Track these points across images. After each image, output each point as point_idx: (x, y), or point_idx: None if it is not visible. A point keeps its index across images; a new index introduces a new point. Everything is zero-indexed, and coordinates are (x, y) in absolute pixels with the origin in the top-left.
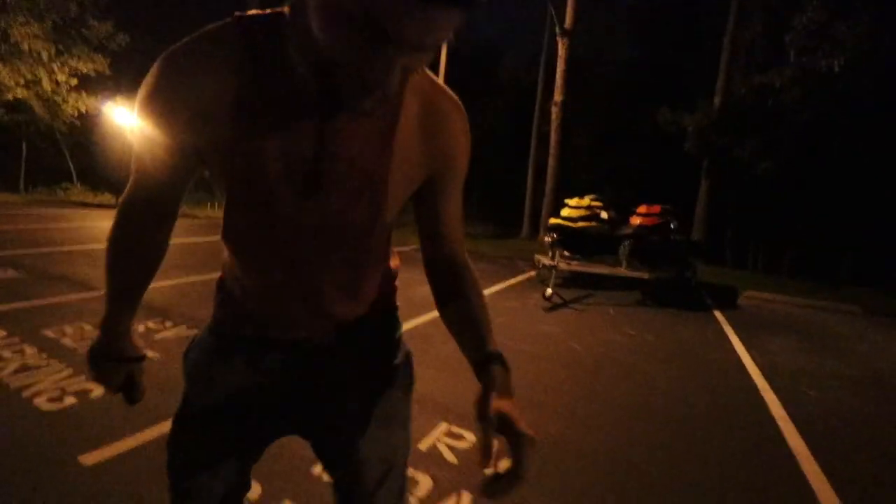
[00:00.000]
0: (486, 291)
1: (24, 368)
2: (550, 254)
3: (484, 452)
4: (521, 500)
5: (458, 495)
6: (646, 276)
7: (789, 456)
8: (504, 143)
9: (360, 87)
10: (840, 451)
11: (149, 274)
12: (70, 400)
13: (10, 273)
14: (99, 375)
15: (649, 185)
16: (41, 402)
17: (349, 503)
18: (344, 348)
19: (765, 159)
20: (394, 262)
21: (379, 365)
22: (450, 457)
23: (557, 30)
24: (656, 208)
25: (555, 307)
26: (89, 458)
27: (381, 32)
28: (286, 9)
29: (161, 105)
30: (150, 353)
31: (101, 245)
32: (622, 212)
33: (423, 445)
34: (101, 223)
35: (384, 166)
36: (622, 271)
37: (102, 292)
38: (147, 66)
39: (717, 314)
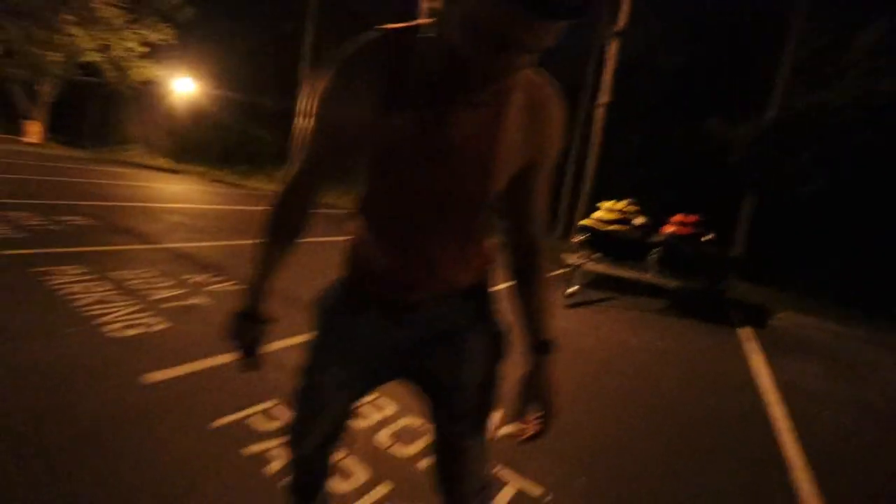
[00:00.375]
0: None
1: (98, 302)
2: (578, 254)
3: (515, 413)
4: (512, 462)
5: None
6: (673, 284)
7: (782, 467)
8: None
9: (482, 82)
10: (839, 468)
11: (294, 245)
12: (136, 331)
13: (85, 220)
14: (236, 333)
15: (691, 195)
16: (111, 331)
17: (445, 445)
18: (453, 311)
19: (817, 177)
20: (491, 250)
21: (481, 329)
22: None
23: (608, 31)
24: (692, 218)
25: (575, 305)
26: (150, 378)
27: (506, 41)
28: (419, 22)
29: (336, 101)
30: (202, 301)
31: (159, 203)
32: (659, 219)
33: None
34: (156, 184)
35: (494, 147)
36: (649, 277)
37: (160, 246)
38: (209, 38)
39: (743, 330)
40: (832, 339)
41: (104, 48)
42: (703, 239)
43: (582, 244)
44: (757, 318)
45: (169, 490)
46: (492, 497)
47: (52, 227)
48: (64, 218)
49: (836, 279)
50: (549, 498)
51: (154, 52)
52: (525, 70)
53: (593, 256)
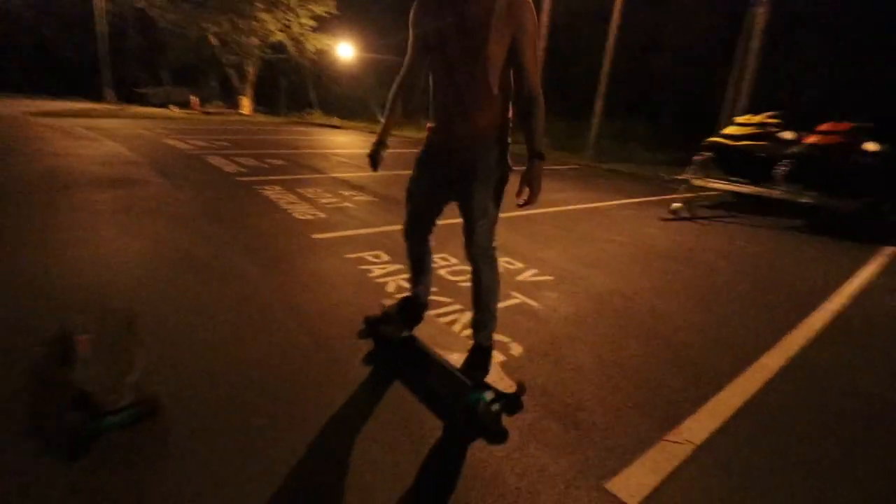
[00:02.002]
0: (611, 202)
1: (289, 203)
2: (690, 171)
3: (518, 191)
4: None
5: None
6: (810, 200)
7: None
8: (704, 56)
9: None
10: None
11: (403, 109)
12: (309, 216)
13: (280, 162)
14: (371, 153)
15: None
16: (297, 214)
17: (466, 228)
18: (478, 153)
19: None
20: (504, 113)
21: (493, 164)
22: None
23: None
24: (843, 126)
25: (674, 220)
26: (318, 236)
27: None
28: None
29: (413, 21)
30: (349, 205)
31: (330, 150)
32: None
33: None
34: (328, 137)
35: (489, 25)
36: (776, 193)
37: (328, 175)
38: (368, 8)
39: (882, 249)
40: None
41: (286, 27)
42: (860, 148)
43: (701, 163)
44: None
45: (321, 274)
46: (493, 258)
47: (261, 165)
48: (268, 160)
49: None
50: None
51: (321, 25)
52: None
53: (710, 174)
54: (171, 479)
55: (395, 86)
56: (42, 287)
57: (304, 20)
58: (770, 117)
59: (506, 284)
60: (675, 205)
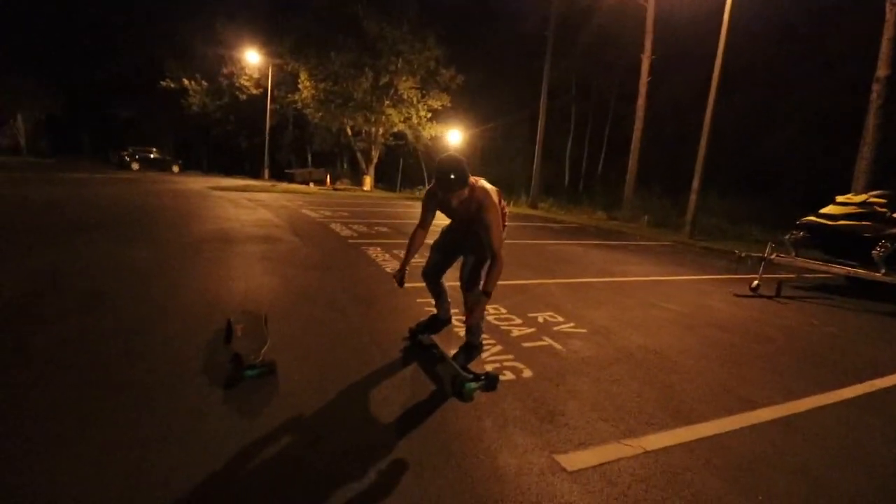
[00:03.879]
0: (687, 277)
1: (383, 260)
2: (772, 249)
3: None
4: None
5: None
6: None
7: None
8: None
9: (450, 198)
10: None
11: (418, 250)
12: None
13: (385, 228)
14: (397, 274)
15: None
16: (387, 268)
17: (464, 273)
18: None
19: None
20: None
21: (474, 248)
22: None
23: None
24: None
25: (751, 296)
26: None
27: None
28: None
29: (424, 203)
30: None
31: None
32: None
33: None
34: None
35: (469, 219)
36: (877, 276)
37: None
38: (473, 101)
39: None
40: None
41: (406, 119)
42: None
43: (794, 242)
44: None
45: (396, 308)
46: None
47: (369, 231)
48: (375, 227)
49: None
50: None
51: (436, 115)
52: (471, 189)
53: (796, 253)
54: (275, 402)
55: (412, 234)
56: (213, 301)
57: (422, 113)
58: (875, 196)
59: (541, 333)
60: (755, 282)
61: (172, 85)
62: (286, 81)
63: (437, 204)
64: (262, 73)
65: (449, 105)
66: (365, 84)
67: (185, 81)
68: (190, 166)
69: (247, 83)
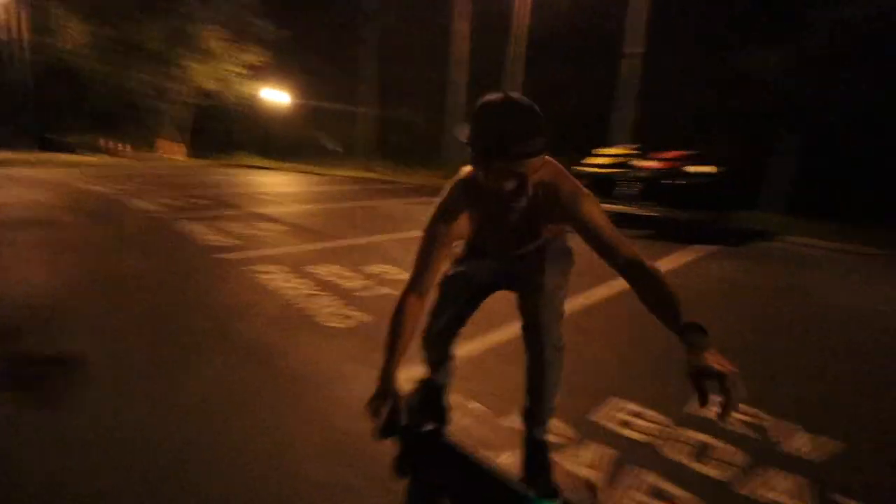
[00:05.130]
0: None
1: (210, 236)
2: None
3: (700, 400)
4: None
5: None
6: (654, 213)
7: None
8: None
9: (497, 193)
10: None
11: (411, 340)
12: (225, 243)
13: (205, 200)
14: (373, 408)
15: (738, 131)
16: (213, 243)
17: (539, 317)
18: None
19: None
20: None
21: (542, 263)
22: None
23: None
24: (673, 153)
25: None
26: (223, 256)
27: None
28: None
29: (445, 223)
30: (263, 233)
31: (250, 188)
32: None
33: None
34: (252, 177)
35: (515, 221)
36: (634, 209)
37: (247, 211)
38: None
39: (708, 247)
40: (818, 254)
41: (220, 79)
42: (688, 170)
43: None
44: (751, 240)
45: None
46: (560, 356)
47: (183, 204)
48: (192, 199)
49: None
50: None
51: (254, 73)
52: (539, 178)
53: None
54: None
55: (396, 309)
56: None
57: (234, 68)
58: (627, 148)
59: (378, 284)
60: None
61: None
62: (52, 26)
63: (471, 212)
64: (9, 13)
65: (271, 61)
66: (155, 31)
67: None
68: None
69: None
